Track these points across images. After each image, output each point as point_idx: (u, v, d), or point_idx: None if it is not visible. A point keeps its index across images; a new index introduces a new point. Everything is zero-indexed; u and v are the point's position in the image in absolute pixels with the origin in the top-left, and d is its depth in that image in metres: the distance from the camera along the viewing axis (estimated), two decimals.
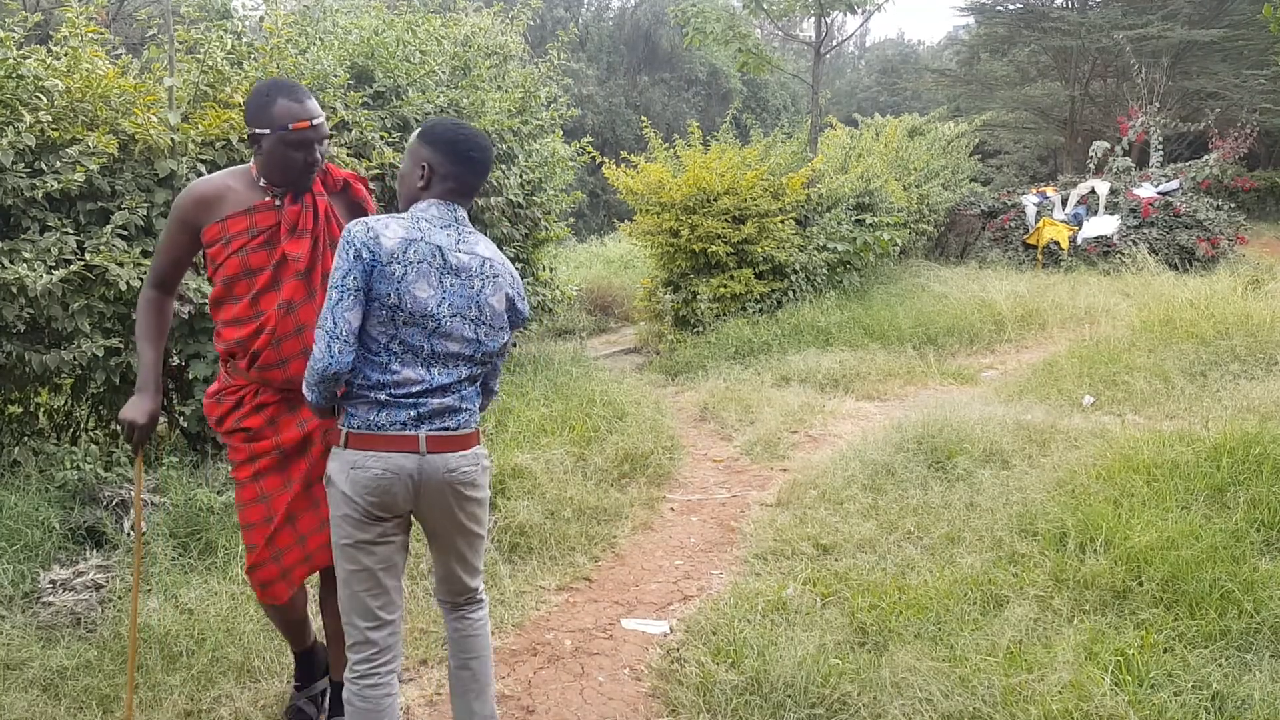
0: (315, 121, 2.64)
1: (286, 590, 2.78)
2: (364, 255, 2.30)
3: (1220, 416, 5.46)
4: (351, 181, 2.90)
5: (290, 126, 2.60)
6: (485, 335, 2.46)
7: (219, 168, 5.04)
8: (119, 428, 2.62)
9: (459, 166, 2.44)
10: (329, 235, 2.75)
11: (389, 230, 2.34)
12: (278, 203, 2.70)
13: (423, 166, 2.44)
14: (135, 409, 2.67)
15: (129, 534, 4.02)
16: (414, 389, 2.37)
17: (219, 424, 2.81)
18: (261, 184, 2.70)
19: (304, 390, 2.40)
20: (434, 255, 2.37)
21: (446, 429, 2.42)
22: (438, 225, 2.42)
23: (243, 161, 5.14)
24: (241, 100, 5.20)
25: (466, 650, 2.67)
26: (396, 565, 2.48)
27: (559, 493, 4.96)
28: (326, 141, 2.70)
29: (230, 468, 2.90)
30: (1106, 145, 16.97)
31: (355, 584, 2.41)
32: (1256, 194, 19.51)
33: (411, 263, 2.34)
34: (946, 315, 9.95)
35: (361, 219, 2.40)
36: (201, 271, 4.57)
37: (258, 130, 2.62)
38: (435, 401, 2.40)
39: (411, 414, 2.37)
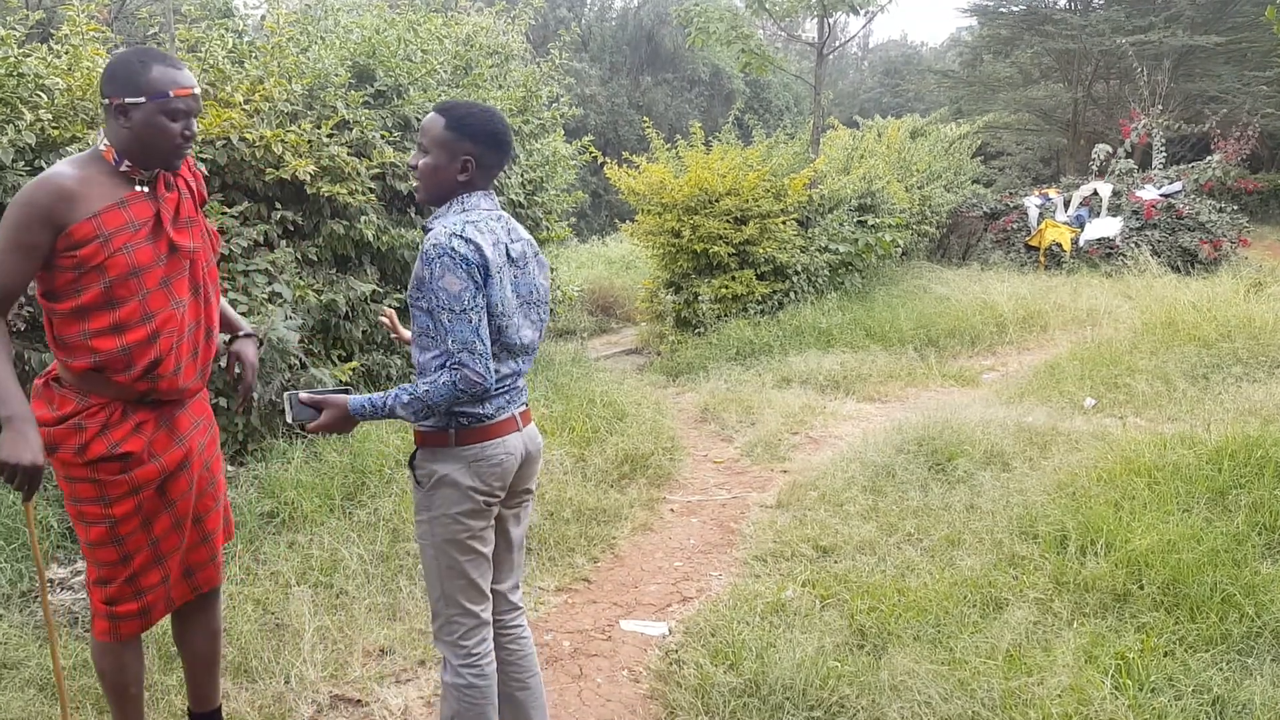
0: (196, 90, 2.39)
1: (142, 627, 2.56)
2: (476, 271, 2.30)
3: (1222, 419, 5.45)
4: (189, 162, 2.65)
5: (172, 93, 2.32)
6: (544, 315, 2.58)
7: (219, 166, 5.04)
8: (14, 475, 2.17)
9: (500, 155, 2.45)
10: (201, 223, 2.58)
11: (478, 237, 2.32)
12: (147, 189, 2.42)
13: (466, 160, 2.38)
14: (18, 446, 2.19)
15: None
16: (508, 379, 2.47)
17: (80, 453, 2.39)
18: (124, 168, 2.39)
19: (426, 409, 2.32)
20: (504, 251, 2.42)
21: (524, 404, 2.58)
22: (493, 219, 2.43)
23: (245, 161, 5.15)
24: (243, 99, 5.21)
25: (524, 670, 2.72)
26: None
27: (558, 493, 4.96)
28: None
29: (88, 505, 2.43)
30: (1109, 148, 16.95)
31: (471, 571, 2.48)
32: (1259, 196, 19.49)
33: (499, 264, 2.38)
34: (948, 317, 9.94)
35: (444, 229, 2.30)
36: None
37: (128, 100, 2.31)
38: (519, 383, 2.55)
39: (506, 398, 2.49)
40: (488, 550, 2.52)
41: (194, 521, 2.63)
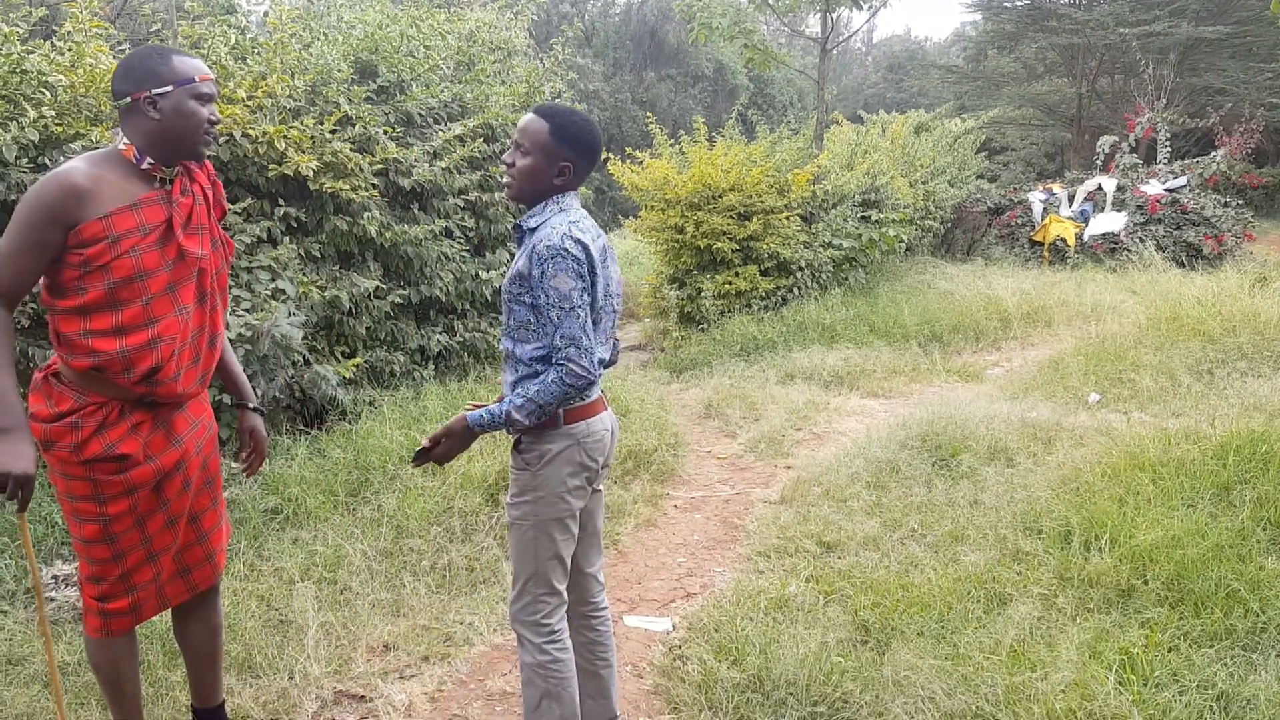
0: (212, 76, 2.43)
1: (133, 623, 2.57)
2: (585, 271, 2.42)
3: (1227, 414, 5.43)
4: (210, 169, 2.66)
5: (197, 78, 2.36)
6: (619, 304, 2.70)
7: (222, 163, 5.04)
8: (7, 485, 2.18)
9: (593, 163, 2.57)
10: (215, 231, 2.58)
11: (584, 236, 2.44)
12: (165, 190, 2.42)
13: (564, 166, 2.48)
14: (11, 456, 2.19)
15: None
16: (599, 365, 2.56)
17: (76, 452, 2.37)
18: (146, 165, 2.38)
19: (539, 410, 2.41)
20: (601, 248, 2.53)
21: (601, 389, 2.70)
22: (586, 218, 2.55)
23: (248, 157, 5.15)
24: (245, 95, 5.21)
25: (608, 647, 2.86)
26: None
27: None
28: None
29: (82, 502, 2.43)
30: (1115, 139, 16.91)
31: (564, 551, 2.59)
32: (1265, 191, 19.43)
33: (600, 261, 2.49)
34: (952, 312, 9.92)
35: (554, 229, 2.40)
36: None
37: (155, 91, 2.32)
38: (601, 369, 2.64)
39: (597, 383, 2.58)
40: (577, 532, 2.64)
41: (189, 520, 2.62)
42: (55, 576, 3.70)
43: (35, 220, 2.26)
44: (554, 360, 2.40)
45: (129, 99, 2.34)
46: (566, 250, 2.38)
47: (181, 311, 2.44)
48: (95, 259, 2.30)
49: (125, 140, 2.38)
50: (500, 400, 2.51)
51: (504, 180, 2.57)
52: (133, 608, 2.54)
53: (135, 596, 2.53)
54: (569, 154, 2.48)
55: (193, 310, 2.48)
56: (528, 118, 2.51)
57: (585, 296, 2.41)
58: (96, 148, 4.35)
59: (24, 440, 2.23)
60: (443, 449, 2.52)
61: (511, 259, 7.40)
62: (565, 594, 2.65)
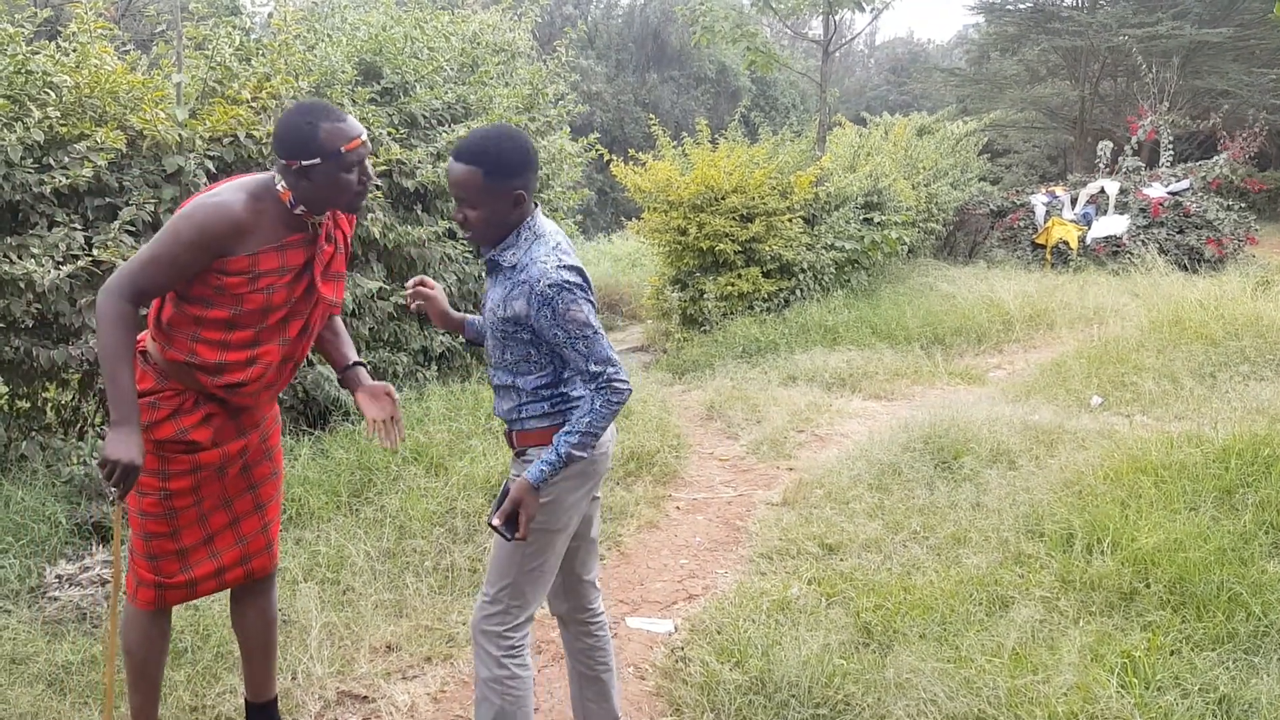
0: (364, 136, 2.46)
1: (186, 597, 2.65)
2: (589, 292, 2.38)
3: (1229, 418, 5.43)
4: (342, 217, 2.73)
5: (343, 149, 2.40)
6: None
7: (226, 164, 5.05)
8: (101, 468, 2.28)
9: (538, 170, 2.46)
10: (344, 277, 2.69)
11: (573, 259, 2.39)
12: (309, 238, 2.52)
13: (518, 195, 2.36)
14: (123, 446, 2.29)
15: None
16: None
17: (149, 430, 2.48)
18: (299, 212, 2.47)
19: (593, 437, 2.36)
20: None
21: None
22: (559, 233, 2.47)
23: (252, 158, 5.15)
24: (250, 96, 5.21)
25: (607, 652, 2.81)
26: None
27: None
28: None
29: (147, 475, 2.51)
30: (1113, 146, 16.90)
31: (549, 567, 2.53)
32: (1267, 194, 19.42)
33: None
34: (954, 315, 9.92)
35: (544, 264, 2.31)
36: None
37: (304, 162, 2.39)
38: None
39: None
40: (562, 555, 2.58)
41: (256, 508, 2.71)
42: (59, 576, 3.71)
43: (189, 240, 2.35)
44: (595, 386, 2.34)
45: (284, 162, 2.42)
46: (567, 282, 2.30)
47: (284, 342, 2.55)
48: (231, 289, 2.42)
49: (283, 184, 2.45)
50: (544, 446, 2.43)
51: (465, 236, 2.44)
52: (189, 583, 2.61)
53: (191, 574, 2.61)
54: (515, 183, 2.34)
55: (293, 341, 2.58)
56: (456, 170, 2.34)
57: (596, 316, 2.37)
58: (102, 148, 4.36)
59: (135, 434, 2.32)
60: (525, 515, 2.36)
61: None
62: (534, 614, 2.57)
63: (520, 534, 2.36)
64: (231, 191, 2.42)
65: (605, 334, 2.38)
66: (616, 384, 2.34)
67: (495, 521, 2.37)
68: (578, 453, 2.35)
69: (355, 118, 2.57)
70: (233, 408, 2.60)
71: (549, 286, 2.29)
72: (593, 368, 2.34)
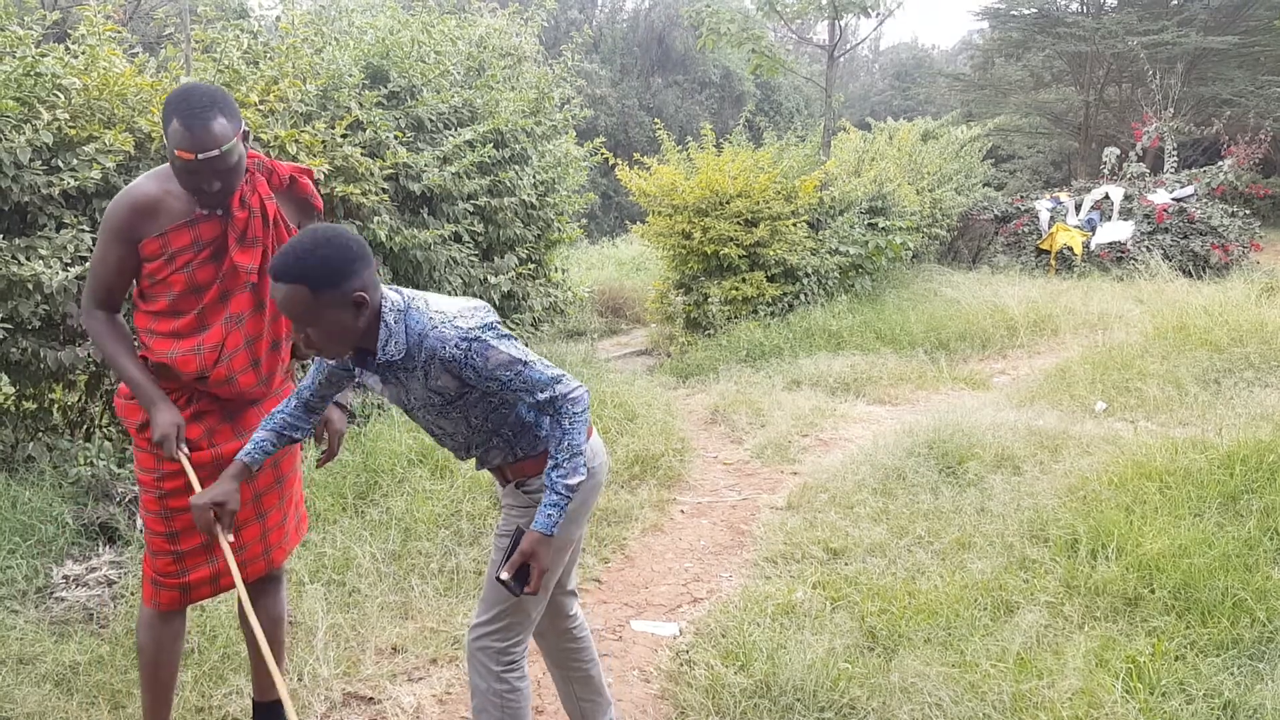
0: (203, 155, 2.28)
1: (181, 601, 2.62)
2: (499, 325, 2.24)
3: (1234, 424, 5.43)
4: (297, 177, 2.66)
5: (175, 153, 2.31)
6: None
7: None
8: (159, 445, 2.42)
9: (368, 257, 2.17)
10: (277, 241, 2.56)
11: (456, 313, 2.21)
12: (220, 211, 2.47)
13: (358, 296, 2.10)
14: (157, 419, 2.43)
15: (140, 531, 4.04)
16: None
17: (141, 430, 2.53)
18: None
19: (580, 459, 2.22)
20: None
21: None
22: (418, 301, 2.25)
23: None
24: (257, 99, 5.24)
25: (590, 649, 2.81)
26: None
27: None
28: (241, 158, 2.40)
29: (146, 474, 2.56)
30: (1118, 152, 16.89)
31: (552, 582, 2.49)
32: (1272, 201, 19.39)
33: None
34: (958, 320, 9.92)
35: (438, 337, 2.14)
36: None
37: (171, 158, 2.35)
38: None
39: None
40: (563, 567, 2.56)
41: (257, 516, 2.69)
42: (66, 576, 3.72)
43: (107, 233, 2.45)
44: (552, 410, 2.21)
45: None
46: (468, 334, 2.15)
47: (231, 320, 2.52)
48: (155, 274, 2.46)
49: None
50: (536, 490, 2.39)
51: (316, 356, 2.28)
52: (184, 587, 2.61)
53: (187, 578, 2.60)
54: (350, 285, 2.08)
55: (248, 318, 2.56)
56: (279, 293, 2.08)
57: (515, 341, 2.23)
58: (110, 150, 4.38)
59: (166, 406, 2.46)
60: (538, 569, 2.24)
61: (520, 263, 7.42)
62: (533, 628, 2.55)
63: (531, 588, 2.25)
64: (141, 179, 2.48)
65: (532, 353, 2.24)
66: (571, 397, 2.21)
67: (504, 575, 2.25)
68: (574, 481, 2.22)
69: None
70: (228, 408, 2.60)
71: (456, 349, 2.14)
72: (540, 397, 2.20)
